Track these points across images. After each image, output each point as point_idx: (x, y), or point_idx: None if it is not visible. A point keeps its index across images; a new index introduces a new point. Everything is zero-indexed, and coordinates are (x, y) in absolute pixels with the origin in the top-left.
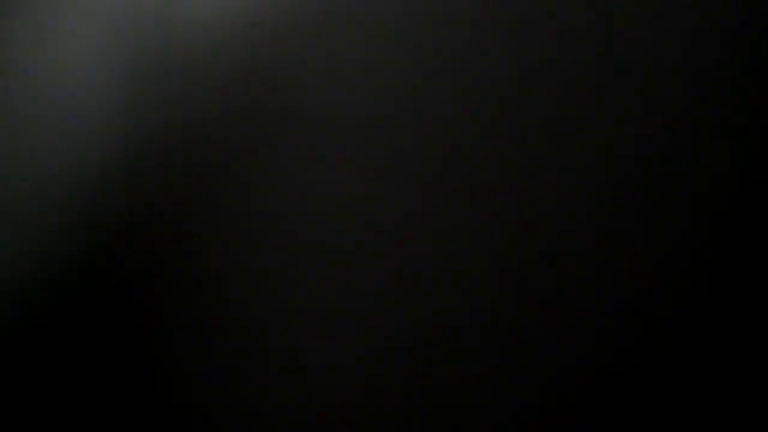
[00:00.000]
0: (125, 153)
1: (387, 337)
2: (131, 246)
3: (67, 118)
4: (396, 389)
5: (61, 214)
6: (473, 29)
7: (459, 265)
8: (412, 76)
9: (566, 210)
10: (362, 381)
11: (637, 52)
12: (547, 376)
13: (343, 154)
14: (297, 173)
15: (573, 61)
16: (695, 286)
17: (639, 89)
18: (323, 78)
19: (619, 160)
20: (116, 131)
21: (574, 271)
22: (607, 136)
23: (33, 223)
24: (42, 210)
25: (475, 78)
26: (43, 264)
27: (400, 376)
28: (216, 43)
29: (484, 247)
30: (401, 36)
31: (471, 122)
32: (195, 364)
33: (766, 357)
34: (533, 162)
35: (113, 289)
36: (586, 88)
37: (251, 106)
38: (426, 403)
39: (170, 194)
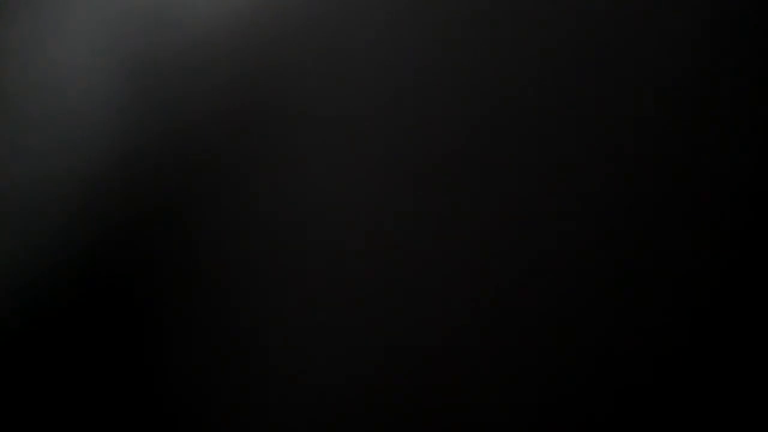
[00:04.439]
0: (125, 152)
1: (387, 336)
2: (131, 246)
3: (66, 117)
4: (396, 388)
5: (61, 214)
6: (474, 29)
7: (459, 264)
8: (412, 76)
9: (566, 209)
10: (362, 380)
11: (638, 51)
12: (546, 376)
13: (344, 153)
14: (297, 172)
15: (573, 61)
16: (695, 286)
17: (639, 89)
18: (323, 77)
19: (619, 160)
20: (115, 131)
21: (574, 270)
22: (607, 136)
23: (33, 223)
24: (42, 209)
25: (476, 78)
26: (42, 264)
27: (401, 375)
28: (216, 42)
29: (485, 246)
30: (402, 35)
31: (472, 122)
32: (195, 363)
33: (766, 357)
34: (534, 161)
35: (113, 289)
36: (587, 87)
37: (251, 105)
38: (426, 403)
39: (169, 193)
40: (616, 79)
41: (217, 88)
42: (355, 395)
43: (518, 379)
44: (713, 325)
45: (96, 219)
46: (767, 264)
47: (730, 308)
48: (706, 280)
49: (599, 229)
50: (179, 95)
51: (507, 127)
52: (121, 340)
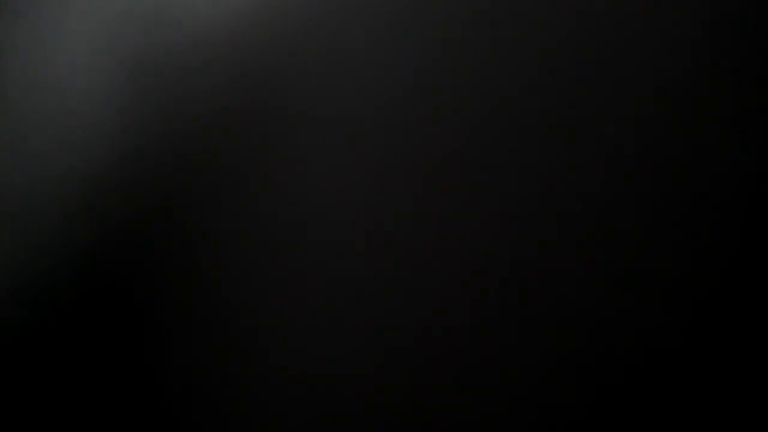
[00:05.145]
0: (124, 152)
1: (387, 336)
2: (131, 246)
3: (66, 117)
4: (396, 388)
5: (61, 214)
6: (474, 29)
7: (459, 264)
8: (412, 76)
9: (566, 209)
10: (362, 380)
11: (638, 51)
12: (546, 376)
13: (344, 153)
14: (297, 172)
15: (573, 61)
16: (695, 286)
17: (639, 89)
18: (323, 77)
19: (619, 160)
20: (115, 131)
21: (574, 270)
22: (607, 137)
23: (33, 223)
24: (42, 209)
25: (476, 78)
26: (42, 263)
27: (401, 375)
28: (216, 42)
29: (485, 246)
30: (402, 35)
31: (472, 122)
32: (195, 363)
33: (766, 357)
34: (534, 161)
35: (113, 288)
36: (587, 87)
37: (251, 105)
38: (426, 403)
39: (169, 193)
40: (616, 79)
41: (217, 88)
42: (355, 395)
43: (518, 379)
44: (713, 324)
45: (96, 219)
46: (767, 264)
47: (730, 308)
48: (706, 280)
49: (599, 229)
50: (179, 95)
51: (507, 127)
52: (121, 340)
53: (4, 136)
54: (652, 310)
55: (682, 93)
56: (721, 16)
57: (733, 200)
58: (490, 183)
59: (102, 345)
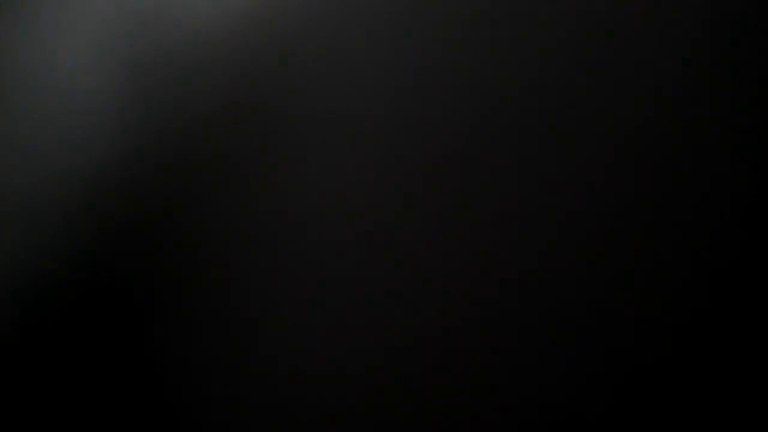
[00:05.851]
0: (125, 152)
1: (387, 336)
2: (131, 246)
3: (66, 117)
4: (396, 388)
5: (61, 214)
6: (474, 29)
7: (460, 264)
8: (412, 76)
9: (566, 209)
10: (362, 380)
11: (638, 51)
12: (546, 376)
13: (344, 153)
14: (297, 172)
15: (573, 61)
16: (695, 286)
17: (639, 89)
18: (323, 77)
19: (619, 160)
20: (115, 131)
21: (574, 270)
22: (608, 136)
23: (33, 223)
24: (42, 209)
25: (476, 78)
26: (42, 264)
27: (401, 375)
28: (216, 42)
29: (485, 246)
30: (402, 35)
31: (472, 122)
32: (195, 363)
33: (767, 357)
34: (533, 161)
35: (113, 289)
36: (587, 87)
37: (251, 105)
38: (426, 403)
39: (169, 193)
40: (616, 79)
41: (217, 88)
42: (355, 395)
43: (518, 379)
44: (713, 324)
45: (96, 219)
46: (767, 264)
47: (730, 308)
48: (706, 280)
49: (599, 229)
50: (179, 95)
51: (507, 127)
52: (121, 340)
53: (4, 136)
54: (652, 310)
55: (682, 93)
56: (721, 16)
57: (733, 200)
58: (490, 183)
59: (102, 345)
